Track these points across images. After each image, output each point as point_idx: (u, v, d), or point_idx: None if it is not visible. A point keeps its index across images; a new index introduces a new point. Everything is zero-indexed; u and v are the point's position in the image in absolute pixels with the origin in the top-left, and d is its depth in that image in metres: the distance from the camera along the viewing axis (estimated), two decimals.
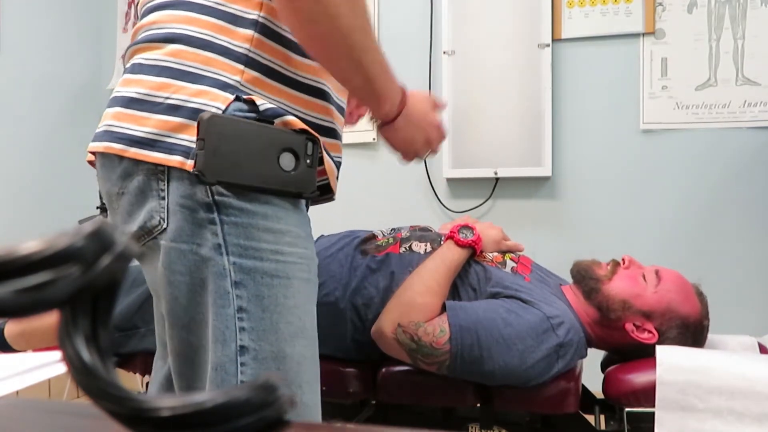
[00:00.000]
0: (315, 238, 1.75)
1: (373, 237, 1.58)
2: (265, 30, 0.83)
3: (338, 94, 0.93)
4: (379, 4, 2.69)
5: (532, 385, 1.36)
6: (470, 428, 1.54)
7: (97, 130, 0.88)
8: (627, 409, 1.47)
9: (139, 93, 0.82)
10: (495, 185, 2.61)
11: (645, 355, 1.43)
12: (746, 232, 2.35)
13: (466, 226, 1.51)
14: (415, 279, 1.39)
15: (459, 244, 1.46)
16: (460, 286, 1.46)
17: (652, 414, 1.31)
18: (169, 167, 0.80)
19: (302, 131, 0.83)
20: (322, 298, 1.53)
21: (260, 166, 0.80)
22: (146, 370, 1.66)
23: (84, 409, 0.33)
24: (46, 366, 0.81)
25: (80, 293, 0.25)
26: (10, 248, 0.25)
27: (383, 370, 1.47)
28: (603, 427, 1.60)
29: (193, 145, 0.78)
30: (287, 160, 0.82)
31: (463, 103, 2.58)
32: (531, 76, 2.51)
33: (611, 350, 1.58)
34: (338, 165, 0.95)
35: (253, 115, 0.81)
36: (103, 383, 0.27)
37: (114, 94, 0.87)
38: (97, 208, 2.75)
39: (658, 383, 1.30)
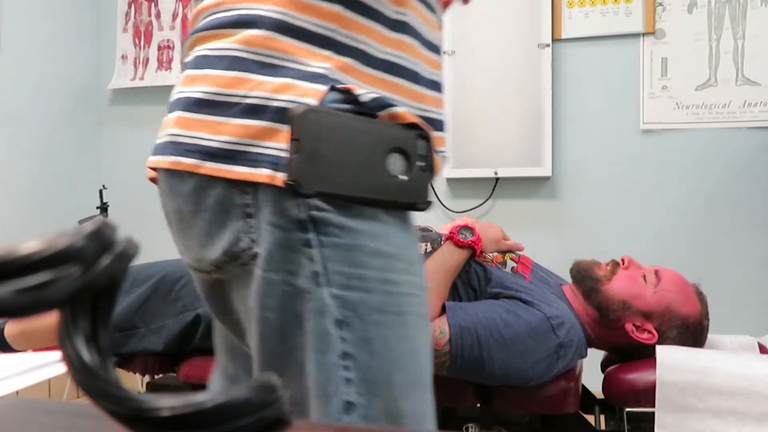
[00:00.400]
0: None
1: None
2: (351, 3, 0.68)
3: (431, 67, 0.76)
4: None
5: (532, 385, 1.37)
6: (470, 428, 1.54)
7: (158, 141, 0.73)
8: (627, 409, 1.47)
9: (207, 92, 0.68)
10: (495, 185, 2.61)
11: (645, 355, 1.43)
12: (746, 232, 2.35)
13: (465, 227, 1.51)
14: None
15: (459, 244, 1.46)
16: (460, 286, 1.46)
17: (652, 414, 1.32)
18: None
19: (412, 126, 0.68)
20: None
21: (366, 171, 0.66)
22: (146, 370, 1.66)
23: (84, 409, 0.33)
24: (46, 366, 0.81)
25: (80, 293, 0.25)
26: (10, 248, 0.25)
27: None
28: (603, 427, 1.60)
29: (283, 154, 0.64)
30: (397, 163, 0.67)
31: (463, 103, 2.58)
32: (531, 76, 2.51)
33: (611, 350, 1.58)
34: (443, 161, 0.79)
35: (350, 106, 0.66)
36: (103, 383, 0.27)
37: (176, 96, 0.73)
38: (97, 208, 2.76)
39: (658, 383, 1.30)
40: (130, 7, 3.04)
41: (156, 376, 1.76)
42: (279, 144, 0.64)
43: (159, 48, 2.99)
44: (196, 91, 0.69)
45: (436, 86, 0.76)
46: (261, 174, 0.64)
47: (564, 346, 1.36)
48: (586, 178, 2.52)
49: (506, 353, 1.32)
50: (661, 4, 2.43)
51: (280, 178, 0.64)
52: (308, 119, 0.63)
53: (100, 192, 2.77)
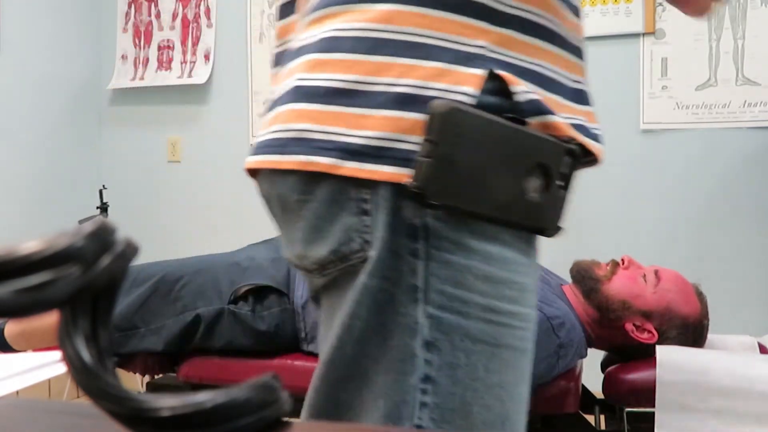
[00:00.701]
0: None
1: None
2: None
3: (577, 33, 0.67)
4: None
5: (532, 386, 1.37)
6: None
7: (269, 137, 0.63)
8: (627, 409, 1.47)
9: (344, 81, 0.58)
10: None
11: (645, 355, 1.43)
12: (746, 232, 2.35)
13: None
14: None
15: None
16: None
17: (652, 414, 1.32)
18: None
19: (564, 139, 0.61)
20: None
21: (501, 187, 0.58)
22: (146, 370, 1.66)
23: (84, 409, 0.33)
24: (46, 366, 0.81)
25: (80, 293, 0.25)
26: (10, 248, 0.25)
27: None
28: (603, 427, 1.60)
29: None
30: (535, 181, 0.59)
31: None
32: None
33: (611, 350, 1.58)
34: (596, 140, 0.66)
35: (502, 102, 0.58)
36: (103, 383, 0.27)
37: (293, 83, 0.62)
38: (97, 208, 2.76)
39: (657, 383, 1.30)
40: (130, 7, 3.04)
41: (156, 376, 1.76)
42: None
43: (159, 48, 2.99)
44: (330, 79, 0.59)
45: (580, 53, 0.68)
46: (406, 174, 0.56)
47: (564, 346, 1.36)
48: (586, 178, 2.52)
49: None
50: (661, 4, 2.43)
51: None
52: (450, 120, 0.55)
53: (100, 192, 2.77)
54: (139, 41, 3.03)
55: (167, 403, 0.27)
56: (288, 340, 1.57)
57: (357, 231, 0.58)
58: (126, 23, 3.05)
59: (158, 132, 3.01)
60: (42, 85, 2.81)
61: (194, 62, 2.94)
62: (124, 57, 3.05)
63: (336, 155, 0.57)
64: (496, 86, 0.58)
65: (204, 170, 2.91)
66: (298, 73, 0.61)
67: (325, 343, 0.63)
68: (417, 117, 0.56)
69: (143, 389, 1.96)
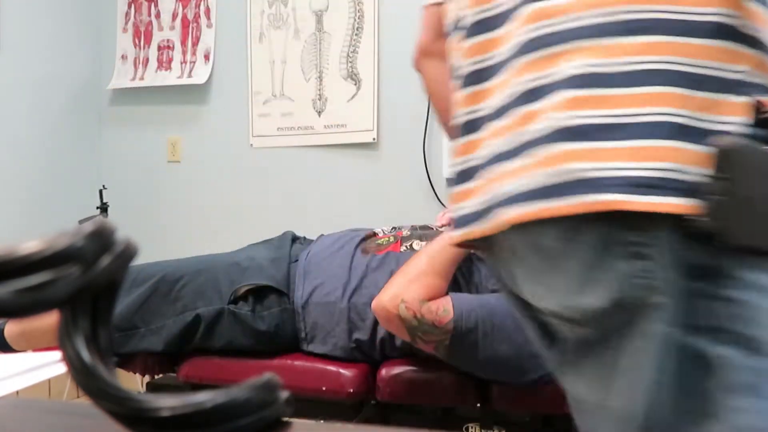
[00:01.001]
0: (315, 238, 1.76)
1: (373, 235, 1.58)
2: None
3: None
4: (379, 4, 2.69)
5: (528, 379, 1.37)
6: (470, 428, 1.54)
7: (538, 182, 0.59)
8: None
9: (613, 115, 0.56)
10: None
11: None
12: None
13: None
14: (422, 257, 1.40)
15: None
16: (463, 285, 1.46)
17: None
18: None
19: None
20: (322, 297, 1.54)
21: None
22: (146, 370, 1.66)
23: (84, 409, 0.33)
24: (46, 366, 0.81)
25: (80, 293, 0.25)
26: (10, 248, 0.25)
27: (383, 370, 1.47)
28: None
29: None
30: None
31: None
32: None
33: None
34: None
35: (764, 133, 0.57)
36: (103, 383, 0.27)
37: (558, 123, 0.58)
38: (97, 208, 2.76)
39: None
40: (130, 7, 3.04)
41: (156, 376, 1.76)
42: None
43: (159, 48, 2.99)
44: (598, 116, 0.57)
45: None
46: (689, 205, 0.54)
47: None
48: None
49: (505, 342, 1.33)
50: None
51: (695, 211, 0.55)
52: (742, 158, 0.54)
53: (100, 192, 2.77)
54: (139, 41, 3.03)
55: (167, 403, 0.27)
56: (288, 340, 1.57)
57: (636, 277, 0.56)
58: (126, 23, 3.05)
59: (158, 132, 3.01)
60: (42, 85, 2.81)
61: (194, 62, 2.94)
62: (124, 57, 3.05)
63: (622, 190, 0.55)
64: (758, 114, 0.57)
65: (204, 170, 2.91)
66: (558, 113, 0.59)
67: (615, 399, 0.60)
68: (694, 148, 0.55)
69: (143, 389, 1.96)
